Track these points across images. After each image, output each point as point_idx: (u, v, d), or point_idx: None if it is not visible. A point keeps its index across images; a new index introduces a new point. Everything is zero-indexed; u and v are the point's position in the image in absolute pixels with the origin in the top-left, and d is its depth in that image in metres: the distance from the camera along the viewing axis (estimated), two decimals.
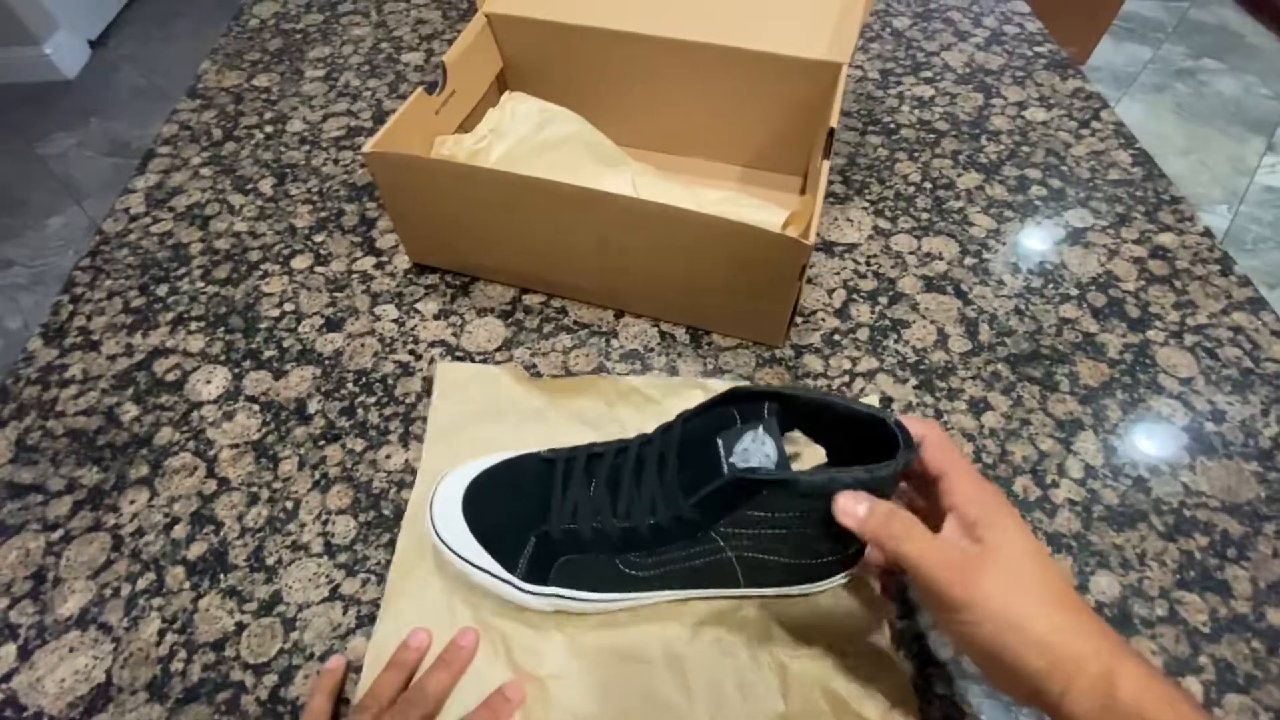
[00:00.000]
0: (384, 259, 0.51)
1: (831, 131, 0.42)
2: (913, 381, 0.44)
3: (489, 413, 0.42)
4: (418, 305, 0.48)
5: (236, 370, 0.45)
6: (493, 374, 0.44)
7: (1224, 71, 1.90)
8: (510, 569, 0.33)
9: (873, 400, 0.43)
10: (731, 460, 0.29)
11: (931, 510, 0.29)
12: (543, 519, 0.33)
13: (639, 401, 0.42)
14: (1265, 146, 1.72)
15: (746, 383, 0.44)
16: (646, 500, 0.31)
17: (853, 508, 0.28)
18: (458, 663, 0.33)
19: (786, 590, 0.34)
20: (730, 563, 0.32)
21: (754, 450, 0.29)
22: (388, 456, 0.41)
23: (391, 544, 0.38)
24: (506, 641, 0.34)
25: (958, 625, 0.26)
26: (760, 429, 0.30)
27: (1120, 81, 1.88)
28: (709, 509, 0.30)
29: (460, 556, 0.34)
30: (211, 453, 0.41)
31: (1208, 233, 0.53)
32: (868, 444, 0.30)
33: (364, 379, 0.44)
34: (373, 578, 0.37)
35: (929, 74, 0.66)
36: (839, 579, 0.34)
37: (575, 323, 0.47)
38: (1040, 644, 0.24)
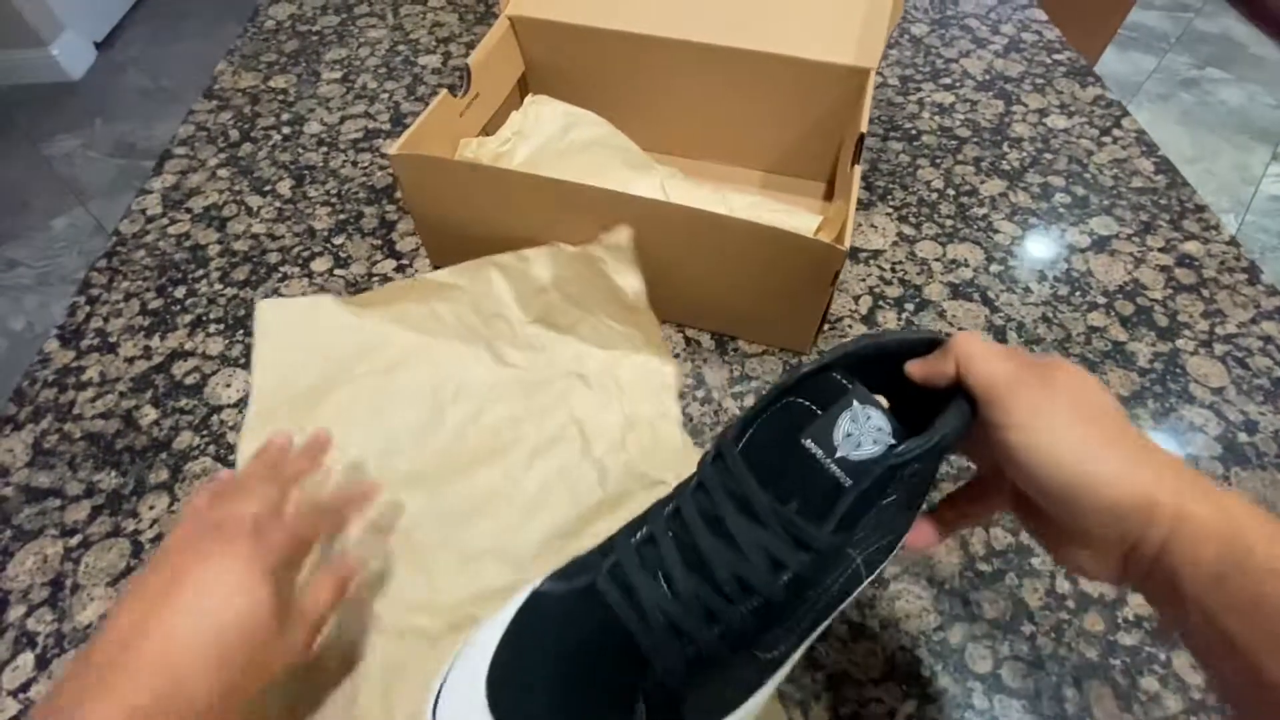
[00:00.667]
0: (405, 262, 0.51)
1: (862, 137, 0.42)
2: None
3: (312, 347, 0.43)
4: None
5: None
6: (310, 305, 0.45)
7: (1228, 81, 1.91)
8: None
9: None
10: (841, 455, 0.23)
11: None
12: (641, 673, 0.23)
13: (448, 292, 0.44)
14: (1270, 155, 1.73)
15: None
16: (759, 558, 0.23)
17: (935, 359, 0.25)
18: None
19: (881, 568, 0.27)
20: (858, 570, 0.25)
21: (861, 432, 0.23)
22: None
23: None
24: None
25: (1025, 438, 0.22)
26: (855, 404, 0.24)
27: (1125, 90, 1.88)
28: (846, 524, 0.23)
29: None
30: (232, 457, 0.41)
31: (1233, 241, 0.53)
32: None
33: None
34: None
35: (948, 80, 0.66)
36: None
37: None
38: (1126, 459, 0.21)
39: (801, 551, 0.23)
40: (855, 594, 0.26)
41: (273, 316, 0.44)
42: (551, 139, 0.49)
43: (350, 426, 0.40)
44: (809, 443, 0.23)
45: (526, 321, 0.43)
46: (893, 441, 0.23)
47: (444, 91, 0.45)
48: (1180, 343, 0.47)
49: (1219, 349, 0.46)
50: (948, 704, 0.33)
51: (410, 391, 0.41)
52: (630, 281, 0.40)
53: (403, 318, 0.44)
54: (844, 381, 0.24)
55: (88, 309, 0.48)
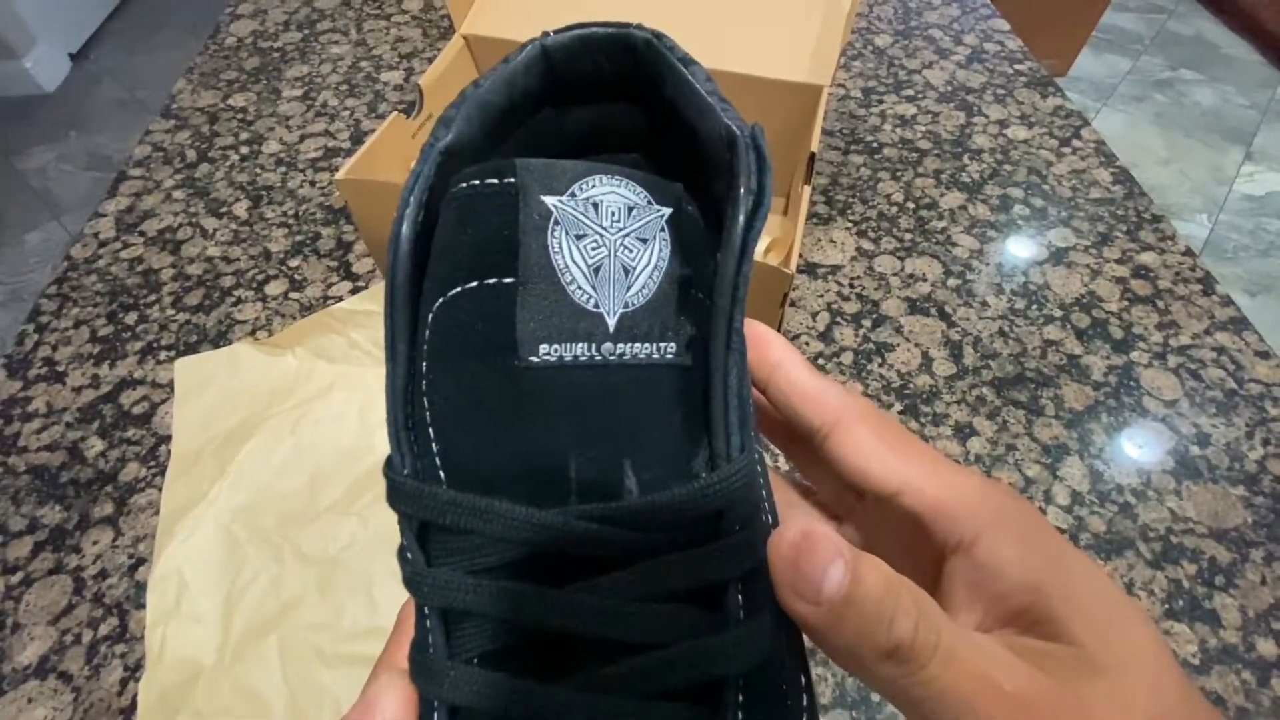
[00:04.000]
0: (361, 284, 0.50)
1: (813, 156, 0.42)
2: (897, 407, 0.44)
3: (235, 392, 0.42)
4: None
5: None
6: (228, 355, 0.44)
7: (1202, 82, 1.93)
8: None
9: None
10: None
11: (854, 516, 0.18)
12: None
13: (360, 319, 0.44)
14: (1243, 155, 1.75)
15: None
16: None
17: (804, 569, 0.12)
18: None
19: None
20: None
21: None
22: None
23: None
24: None
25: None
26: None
27: (1101, 92, 1.90)
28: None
29: None
30: None
31: (1189, 251, 0.53)
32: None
33: None
34: None
35: (911, 92, 0.66)
36: None
37: None
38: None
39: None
40: None
41: (192, 374, 0.43)
42: None
43: (276, 459, 0.39)
44: None
45: None
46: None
47: (394, 113, 0.45)
48: (1135, 355, 0.47)
49: (1173, 361, 0.47)
50: None
51: (338, 417, 0.41)
52: None
53: (323, 351, 0.43)
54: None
55: (36, 337, 0.47)
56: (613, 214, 0.15)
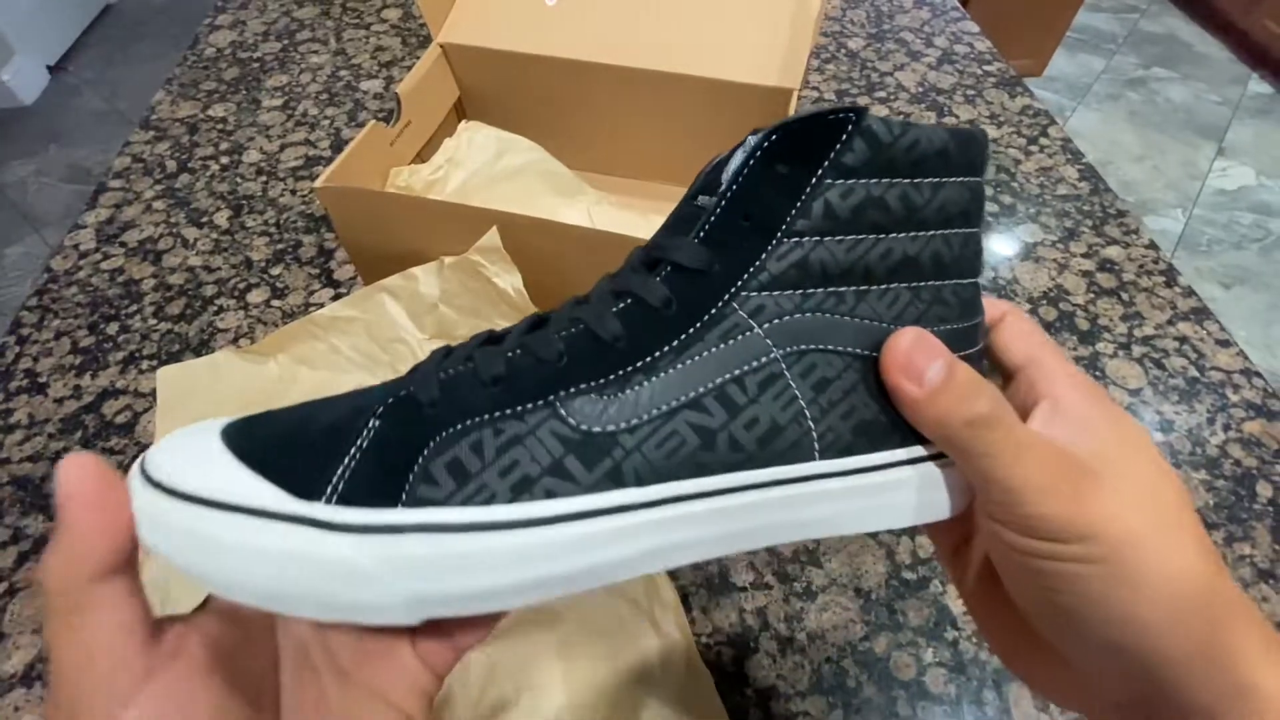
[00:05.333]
0: (343, 290, 0.51)
1: None
2: None
3: (218, 401, 0.42)
4: None
5: None
6: (209, 363, 0.44)
7: (1174, 80, 1.97)
8: (308, 491, 0.15)
9: None
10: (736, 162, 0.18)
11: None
12: (397, 388, 0.17)
13: (342, 325, 0.44)
14: (1215, 151, 1.78)
15: None
16: (602, 288, 0.18)
17: (916, 361, 0.17)
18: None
19: (895, 457, 0.19)
20: (785, 384, 0.17)
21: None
22: None
23: None
24: None
25: (1046, 569, 0.16)
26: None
27: (1075, 91, 1.93)
28: (715, 240, 0.17)
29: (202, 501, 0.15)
30: None
31: (1153, 245, 0.54)
32: None
33: None
34: None
35: (883, 94, 0.67)
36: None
37: None
38: (1188, 611, 0.15)
39: (651, 274, 0.17)
40: (835, 477, 0.18)
41: (174, 383, 0.44)
42: (483, 166, 0.49)
43: None
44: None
45: (424, 339, 0.43)
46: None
47: (373, 121, 0.46)
48: (1100, 346, 0.48)
49: (1137, 351, 0.48)
50: (872, 713, 0.34)
51: None
52: (511, 280, 0.40)
53: (306, 358, 0.44)
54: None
55: (17, 349, 0.47)
56: None
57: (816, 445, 0.18)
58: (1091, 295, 0.51)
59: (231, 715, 0.16)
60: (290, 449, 0.16)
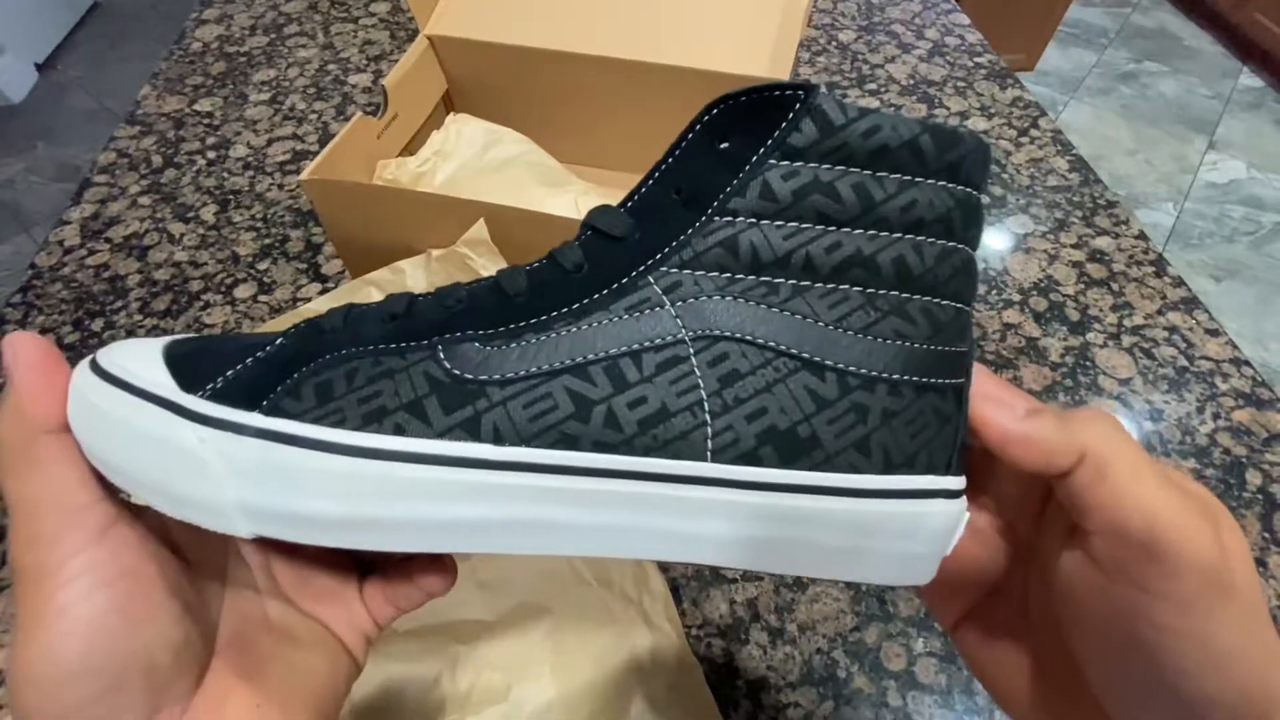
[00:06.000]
0: (330, 285, 0.50)
1: None
2: None
3: None
4: None
5: None
6: None
7: (1166, 74, 1.98)
8: (191, 386, 0.15)
9: None
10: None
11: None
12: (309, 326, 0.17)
13: None
14: (1206, 145, 1.79)
15: None
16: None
17: (1005, 395, 0.17)
18: None
19: (836, 482, 0.16)
20: (688, 369, 0.16)
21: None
22: None
23: None
24: None
25: (1145, 603, 0.15)
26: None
27: (1067, 86, 1.94)
28: (656, 215, 0.17)
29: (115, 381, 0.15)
30: None
31: (1143, 235, 0.55)
32: None
33: None
34: None
35: (874, 86, 0.67)
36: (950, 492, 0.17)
37: None
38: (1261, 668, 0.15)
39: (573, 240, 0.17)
40: (741, 495, 0.16)
41: None
42: (471, 158, 0.49)
43: None
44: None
45: None
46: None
47: (359, 114, 0.45)
48: (1090, 336, 0.48)
49: (1126, 341, 0.48)
50: (863, 704, 0.34)
51: None
52: None
53: None
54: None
55: None
56: None
57: (709, 444, 0.15)
58: (1081, 286, 0.51)
59: (177, 600, 0.16)
60: (205, 355, 0.16)
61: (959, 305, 0.17)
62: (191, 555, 0.18)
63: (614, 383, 0.15)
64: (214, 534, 0.15)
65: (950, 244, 0.17)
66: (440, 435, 0.15)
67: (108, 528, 0.15)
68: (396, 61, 0.69)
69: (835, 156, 0.16)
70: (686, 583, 0.37)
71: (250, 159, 0.59)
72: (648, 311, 0.16)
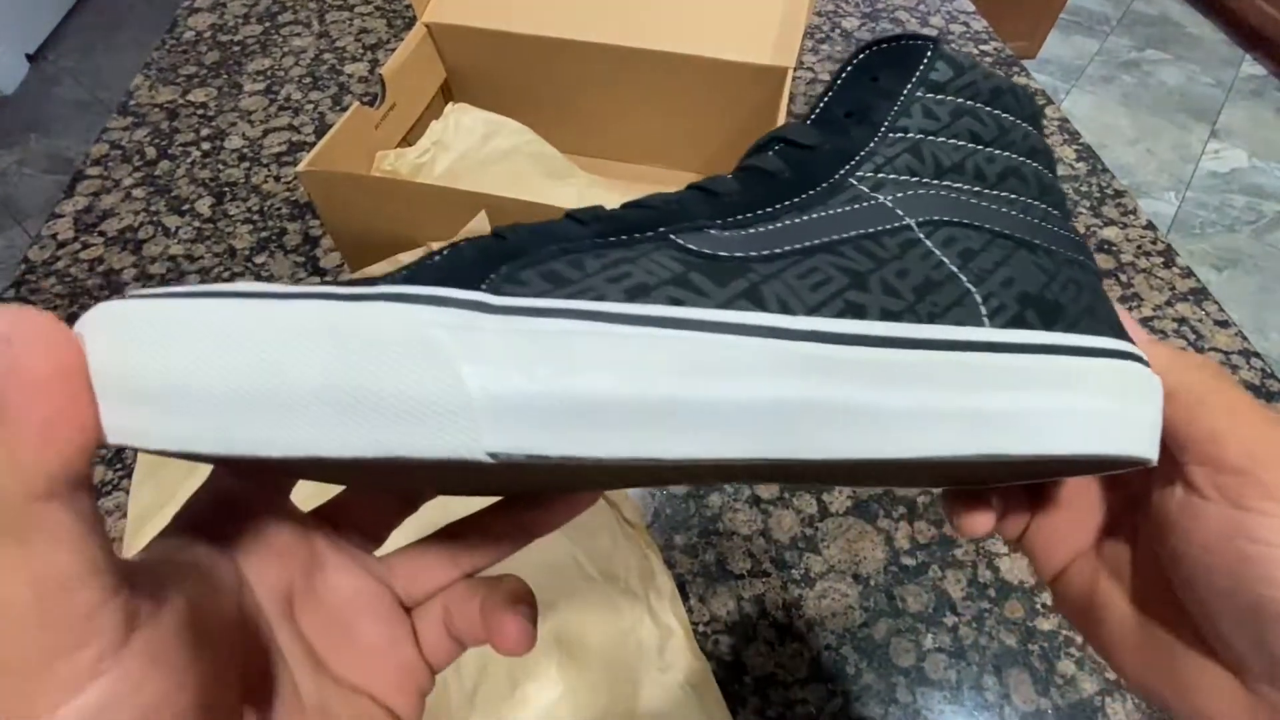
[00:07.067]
0: (329, 279, 0.50)
1: None
2: None
3: None
4: None
5: None
6: None
7: (1167, 62, 1.96)
8: (478, 285, 0.12)
9: None
10: None
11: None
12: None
13: None
14: (1208, 133, 1.78)
15: None
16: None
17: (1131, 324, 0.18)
18: None
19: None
20: (927, 250, 0.16)
21: None
22: None
23: None
24: None
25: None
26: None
27: (1069, 74, 1.92)
28: (837, 129, 0.18)
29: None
30: None
31: (1151, 225, 0.54)
32: None
33: None
34: None
35: None
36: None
37: None
38: None
39: (763, 152, 0.17)
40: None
41: None
42: (471, 148, 0.48)
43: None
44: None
45: None
46: None
47: (356, 104, 0.45)
48: None
49: None
50: (871, 700, 0.33)
51: None
52: None
53: None
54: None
55: None
56: None
57: (984, 309, 0.15)
58: None
59: (214, 694, 0.12)
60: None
61: (1073, 227, 0.20)
62: (212, 626, 0.13)
63: (871, 259, 0.15)
64: (226, 584, 0.13)
65: (1051, 175, 0.19)
66: (723, 306, 0.13)
67: (127, 638, 0.10)
68: (393, 50, 0.68)
69: (967, 92, 0.18)
70: (693, 579, 0.37)
71: (245, 150, 0.59)
72: (865, 204, 0.16)
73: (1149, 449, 0.16)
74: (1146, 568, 0.19)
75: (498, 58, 0.52)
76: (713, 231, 0.14)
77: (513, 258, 0.13)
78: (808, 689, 0.34)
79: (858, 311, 0.14)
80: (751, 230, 0.15)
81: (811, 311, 0.13)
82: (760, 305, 0.13)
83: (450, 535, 0.18)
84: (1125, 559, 0.19)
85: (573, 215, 0.15)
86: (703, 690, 0.33)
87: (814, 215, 0.15)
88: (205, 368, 0.10)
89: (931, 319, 0.14)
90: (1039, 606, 0.36)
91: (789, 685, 0.34)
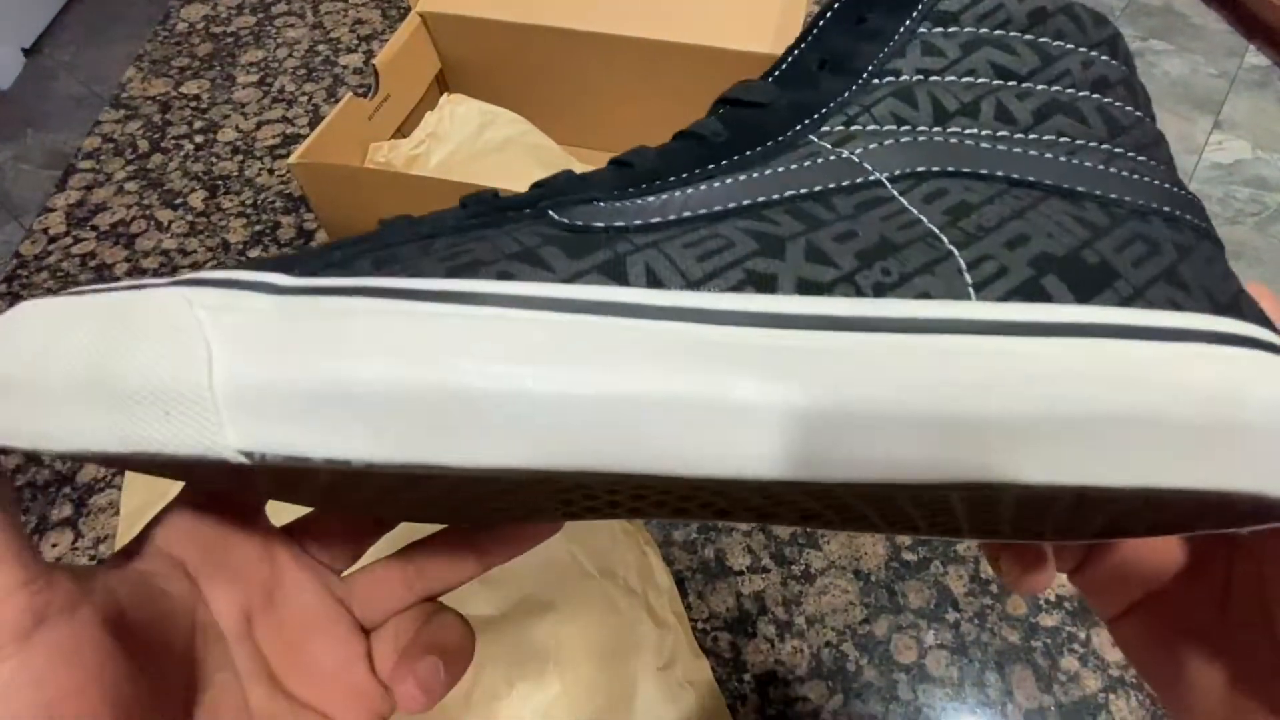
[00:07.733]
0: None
1: None
2: None
3: None
4: None
5: None
6: None
7: (1171, 52, 1.95)
8: (287, 268, 0.11)
9: None
10: None
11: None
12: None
13: None
14: (1212, 125, 1.77)
15: None
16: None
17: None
18: None
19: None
20: (898, 206, 0.13)
21: None
22: None
23: None
24: None
25: None
26: None
27: None
28: (802, 82, 0.15)
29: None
30: None
31: None
32: None
33: None
34: None
35: None
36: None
37: None
38: None
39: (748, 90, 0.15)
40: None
41: None
42: (467, 140, 0.48)
43: None
44: None
45: None
46: None
47: (349, 94, 0.44)
48: None
49: None
50: (872, 697, 0.33)
51: None
52: None
53: None
54: None
55: None
56: None
57: (969, 276, 0.11)
58: None
59: (132, 699, 0.11)
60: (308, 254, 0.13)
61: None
62: (149, 635, 0.13)
63: (803, 221, 0.12)
64: (179, 598, 0.13)
65: (1139, 114, 0.15)
66: (566, 280, 0.11)
67: (32, 629, 0.10)
68: (388, 40, 0.67)
69: (992, 21, 0.15)
70: (692, 575, 0.36)
71: (239, 143, 0.58)
72: (819, 160, 0.13)
73: (1269, 483, 0.10)
74: (1246, 613, 0.15)
75: (494, 48, 0.51)
76: (601, 204, 0.12)
77: (381, 249, 0.12)
78: (808, 686, 0.33)
79: (763, 284, 0.11)
80: (650, 199, 0.12)
81: (694, 285, 0.11)
82: (617, 279, 0.11)
83: (406, 557, 0.18)
84: (1213, 599, 0.15)
85: (464, 200, 0.14)
86: (701, 688, 0.32)
87: (741, 177, 0.13)
88: (11, 361, 0.10)
89: (879, 291, 0.11)
90: (1042, 603, 0.36)
91: (789, 682, 0.33)
